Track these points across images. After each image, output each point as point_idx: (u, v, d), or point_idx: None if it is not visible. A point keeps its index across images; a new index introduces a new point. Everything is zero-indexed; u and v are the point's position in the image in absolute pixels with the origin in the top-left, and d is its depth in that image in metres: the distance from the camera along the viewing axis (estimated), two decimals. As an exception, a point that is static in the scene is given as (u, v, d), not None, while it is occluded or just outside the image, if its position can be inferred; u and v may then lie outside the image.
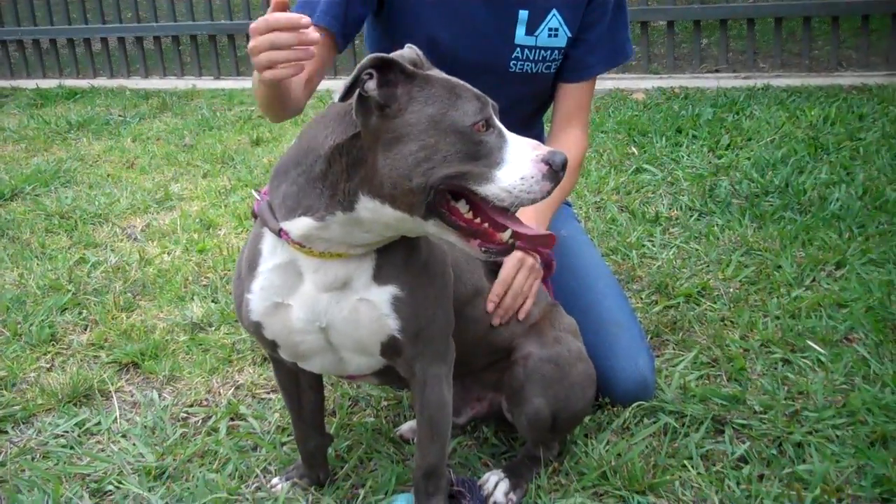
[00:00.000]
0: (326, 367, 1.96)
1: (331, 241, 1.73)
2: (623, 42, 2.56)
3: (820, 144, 4.39)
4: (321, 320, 1.79)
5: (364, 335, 1.82)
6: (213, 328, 3.02)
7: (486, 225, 1.68)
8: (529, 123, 2.63)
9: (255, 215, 1.85)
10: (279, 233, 1.75)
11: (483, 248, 1.68)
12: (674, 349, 2.70)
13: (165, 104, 6.77)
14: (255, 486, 2.19)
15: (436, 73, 1.74)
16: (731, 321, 2.83)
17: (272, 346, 1.91)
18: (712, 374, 2.55)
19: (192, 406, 2.56)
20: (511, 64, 2.42)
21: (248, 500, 2.11)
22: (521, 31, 2.38)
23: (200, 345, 2.90)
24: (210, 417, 2.49)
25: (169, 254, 3.73)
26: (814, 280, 3.05)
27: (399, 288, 1.80)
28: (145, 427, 2.46)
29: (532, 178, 1.62)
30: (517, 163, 1.62)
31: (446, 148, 1.60)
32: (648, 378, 2.37)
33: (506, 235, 1.69)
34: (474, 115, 1.62)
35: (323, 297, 1.78)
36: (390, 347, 1.85)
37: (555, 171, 1.62)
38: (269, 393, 2.61)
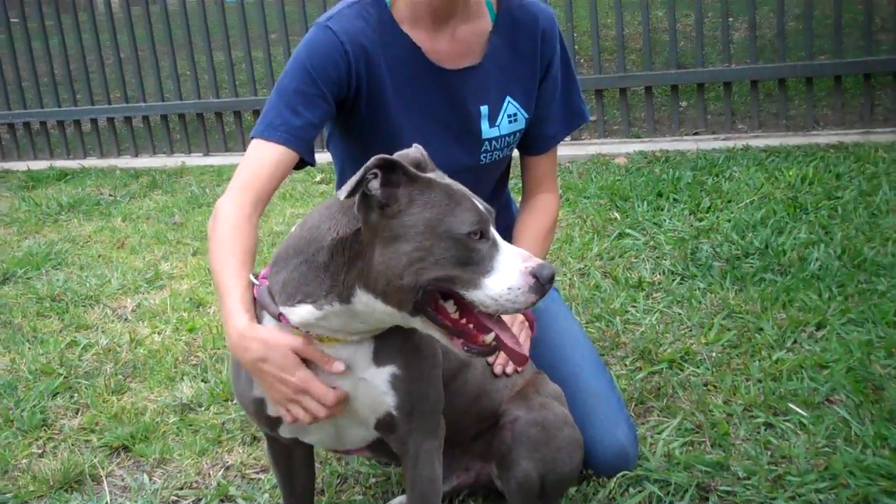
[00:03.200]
0: (324, 441, 2.02)
1: (328, 329, 1.80)
2: (578, 105, 2.62)
3: (798, 204, 4.47)
4: None
5: (362, 411, 1.89)
6: (203, 408, 3.04)
7: (470, 326, 1.75)
8: (497, 191, 2.70)
9: (254, 300, 1.92)
10: (279, 317, 1.81)
11: (465, 348, 1.74)
12: (658, 416, 2.73)
13: (155, 182, 6.84)
14: (245, 568, 2.20)
15: (438, 175, 1.82)
16: (714, 385, 2.87)
17: (274, 423, 1.95)
18: (696, 441, 2.58)
19: (181, 489, 2.59)
20: (482, 157, 2.49)
21: (238, 583, 2.13)
22: (485, 125, 2.45)
23: (190, 426, 2.93)
24: (200, 500, 2.52)
25: (159, 334, 3.77)
26: (795, 342, 3.09)
27: (397, 367, 1.86)
28: (136, 512, 2.48)
29: (518, 289, 1.67)
30: (506, 273, 1.68)
31: (440, 252, 1.67)
32: (628, 448, 2.40)
33: (489, 338, 1.75)
34: (470, 224, 1.68)
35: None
36: (385, 423, 1.91)
37: (541, 284, 1.68)
38: (258, 473, 2.64)
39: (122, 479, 2.68)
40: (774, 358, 2.98)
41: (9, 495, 2.60)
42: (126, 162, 7.90)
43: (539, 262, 1.70)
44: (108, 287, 4.41)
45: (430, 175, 1.80)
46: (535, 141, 2.60)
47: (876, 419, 2.54)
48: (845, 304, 3.30)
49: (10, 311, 4.17)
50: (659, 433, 2.61)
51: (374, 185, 1.69)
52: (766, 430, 2.59)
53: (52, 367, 3.46)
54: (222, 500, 2.50)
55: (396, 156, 1.88)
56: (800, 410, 2.64)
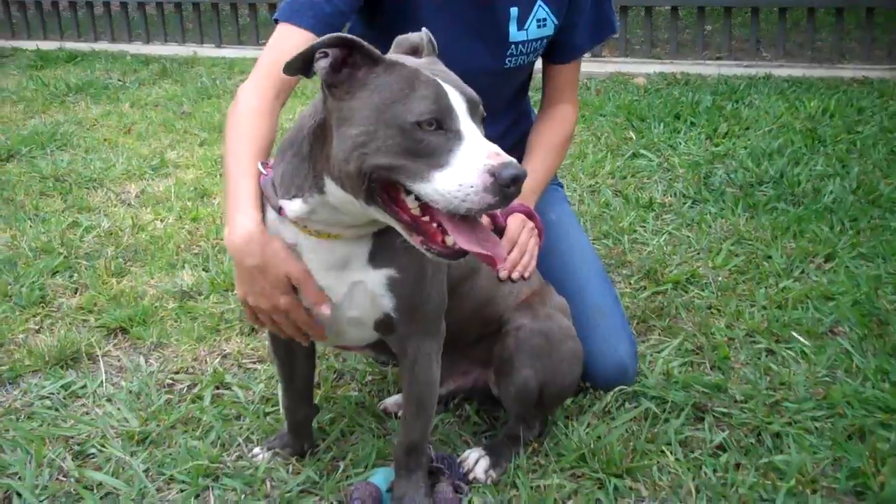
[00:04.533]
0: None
1: (322, 223, 1.75)
2: (608, 15, 2.56)
3: (817, 136, 4.40)
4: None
5: (359, 313, 1.85)
6: (203, 296, 3.03)
7: (434, 225, 1.62)
8: (517, 98, 2.64)
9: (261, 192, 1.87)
10: (279, 210, 1.77)
11: (425, 247, 1.63)
12: (659, 335, 2.71)
13: (165, 70, 6.75)
14: (236, 454, 2.20)
15: (428, 62, 1.72)
16: (717, 309, 2.85)
17: None
18: (696, 362, 2.56)
19: (178, 373, 2.58)
20: (507, 61, 2.42)
21: (228, 468, 2.13)
22: (513, 28, 2.38)
23: (189, 313, 2.92)
24: (195, 385, 2.51)
25: (162, 221, 3.74)
26: (802, 272, 3.06)
27: (395, 270, 1.82)
28: (130, 392, 2.47)
29: (471, 187, 1.52)
30: (461, 169, 1.53)
31: (383, 138, 1.56)
32: (628, 364, 2.38)
33: (450, 240, 1.62)
34: (420, 113, 1.55)
35: (322, 276, 1.81)
36: (384, 324, 1.88)
37: (500, 185, 1.51)
38: (255, 363, 2.63)
39: (119, 360, 2.67)
40: (781, 286, 2.95)
41: (4, 367, 2.60)
42: (137, 48, 7.80)
43: (503, 161, 1.53)
44: (112, 171, 4.37)
45: (407, 59, 1.70)
46: (561, 48, 2.52)
47: (878, 353, 2.52)
48: (856, 238, 3.26)
49: (12, 189, 4.13)
50: (659, 352, 2.60)
51: (322, 63, 1.61)
52: (766, 356, 2.57)
53: (52, 245, 3.44)
54: (218, 387, 2.49)
55: (398, 39, 1.81)
56: (802, 339, 2.62)
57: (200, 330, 2.79)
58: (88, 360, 2.66)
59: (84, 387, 2.51)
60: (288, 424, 2.19)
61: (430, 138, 1.55)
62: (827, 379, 2.43)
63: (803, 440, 2.16)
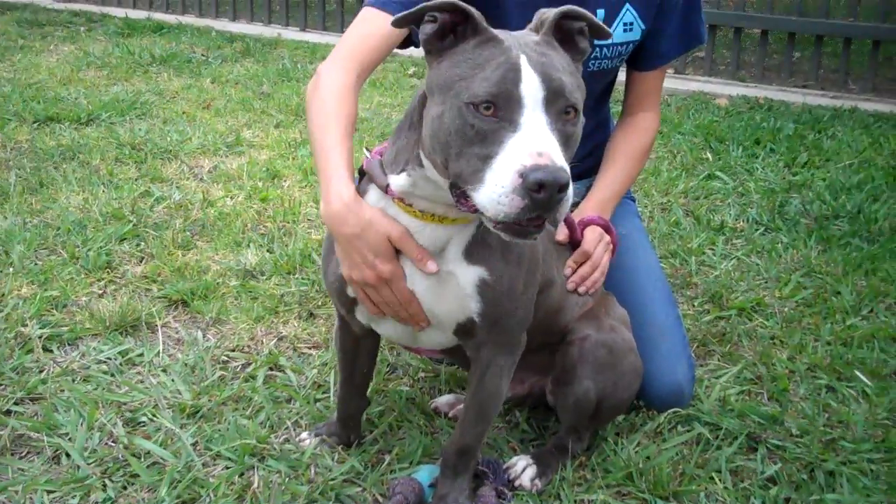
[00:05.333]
0: (399, 335, 1.95)
1: (425, 199, 1.72)
2: (697, 26, 2.50)
3: (899, 174, 4.29)
4: (408, 284, 1.79)
5: (444, 310, 1.82)
6: (265, 277, 3.05)
7: None
8: (598, 105, 2.60)
9: (361, 173, 1.85)
10: (386, 188, 1.75)
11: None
12: (719, 361, 2.66)
13: (248, 49, 6.83)
14: (284, 437, 2.21)
15: (526, 39, 1.58)
16: (780, 340, 2.78)
17: (351, 304, 1.92)
18: (754, 391, 2.51)
19: (233, 351, 2.60)
20: (590, 64, 2.39)
21: (275, 449, 2.13)
22: None
23: (250, 292, 2.94)
24: (250, 364, 2.53)
25: (232, 198, 3.78)
26: (871, 311, 2.98)
27: (488, 271, 1.78)
28: (185, 365, 2.50)
29: (502, 188, 1.41)
30: (501, 167, 1.42)
31: (449, 121, 1.49)
32: (685, 387, 2.34)
33: None
34: (474, 95, 1.45)
35: (409, 269, 1.79)
36: (465, 328, 1.84)
37: (527, 188, 1.38)
38: (310, 348, 2.64)
39: (177, 332, 2.70)
40: (848, 323, 2.87)
41: (64, 328, 2.64)
42: (222, 24, 7.90)
43: (536, 163, 1.38)
44: (187, 144, 4.43)
45: (516, 34, 1.59)
46: (646, 55, 2.48)
47: (945, 402, 2.45)
48: (931, 282, 3.16)
49: (89, 152, 4.21)
50: (717, 378, 2.55)
51: (427, 28, 1.57)
52: (826, 392, 2.51)
53: (122, 212, 3.49)
54: (271, 368, 2.51)
55: (539, 11, 1.69)
56: (865, 379, 2.55)
57: (259, 310, 2.81)
58: (147, 328, 2.70)
59: (141, 355, 2.55)
60: (338, 414, 2.19)
61: (481, 124, 1.45)
62: (887, 422, 2.36)
63: (857, 481, 2.10)
